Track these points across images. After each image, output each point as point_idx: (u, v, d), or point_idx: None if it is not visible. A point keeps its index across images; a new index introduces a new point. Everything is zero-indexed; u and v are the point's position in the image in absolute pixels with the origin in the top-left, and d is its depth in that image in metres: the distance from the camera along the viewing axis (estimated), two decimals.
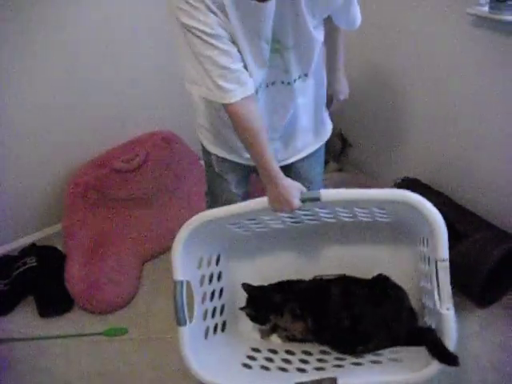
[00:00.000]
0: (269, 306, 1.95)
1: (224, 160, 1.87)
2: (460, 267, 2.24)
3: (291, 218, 1.86)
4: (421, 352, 1.67)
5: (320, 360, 1.86)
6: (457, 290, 2.30)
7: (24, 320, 2.35)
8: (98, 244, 2.50)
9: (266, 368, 1.85)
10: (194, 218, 1.75)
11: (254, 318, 1.98)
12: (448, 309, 1.63)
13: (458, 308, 2.24)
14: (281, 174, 1.65)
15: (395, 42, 2.60)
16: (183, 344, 1.72)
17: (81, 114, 2.69)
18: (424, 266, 1.85)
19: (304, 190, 1.69)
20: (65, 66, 2.57)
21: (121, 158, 2.66)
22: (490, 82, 2.23)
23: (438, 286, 1.65)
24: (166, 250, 2.42)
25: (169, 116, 2.93)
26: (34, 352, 2.19)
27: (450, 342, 1.59)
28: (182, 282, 1.73)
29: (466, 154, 2.46)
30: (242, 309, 1.97)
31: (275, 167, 1.64)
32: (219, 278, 2.01)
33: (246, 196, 1.99)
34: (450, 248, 2.27)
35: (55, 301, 2.39)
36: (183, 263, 1.75)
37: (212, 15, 1.37)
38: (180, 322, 1.71)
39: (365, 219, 1.92)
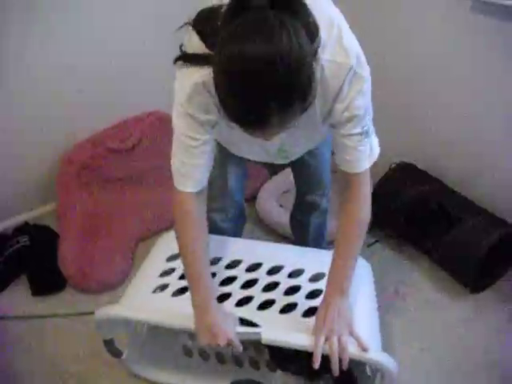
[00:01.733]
0: None
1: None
2: (453, 253, 2.26)
3: None
4: None
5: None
6: (450, 276, 2.33)
7: (16, 299, 2.33)
8: (91, 224, 2.48)
9: (205, 354, 1.94)
10: (110, 309, 1.66)
11: None
12: None
13: (451, 293, 2.29)
14: (213, 303, 1.50)
15: (391, 28, 2.59)
16: (125, 365, 1.89)
17: (76, 93, 2.64)
18: None
19: (236, 322, 1.53)
20: (64, 39, 2.53)
21: (115, 138, 2.63)
22: (490, 67, 2.22)
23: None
24: (161, 230, 2.43)
25: (165, 97, 2.89)
26: (26, 331, 2.17)
27: None
28: (111, 339, 1.76)
29: (463, 142, 2.45)
30: None
31: (208, 293, 1.50)
32: None
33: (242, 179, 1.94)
34: (445, 233, 2.29)
35: (48, 280, 2.37)
36: (108, 329, 1.73)
37: (203, 132, 1.36)
38: (117, 356, 1.82)
39: None
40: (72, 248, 2.38)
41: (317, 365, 1.38)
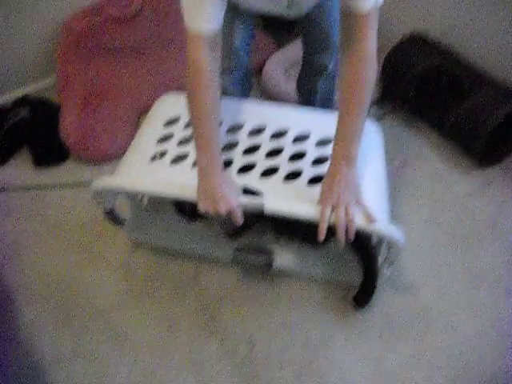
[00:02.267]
0: None
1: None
2: (464, 125, 2.20)
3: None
4: None
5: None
6: (459, 149, 2.29)
7: (19, 170, 2.31)
8: (92, 95, 2.41)
9: (209, 222, 1.90)
10: (106, 180, 1.58)
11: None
12: (387, 269, 1.65)
13: (459, 167, 2.25)
14: (219, 167, 1.45)
15: None
16: (127, 234, 1.91)
17: None
18: None
19: (240, 193, 1.46)
20: None
21: (116, 5, 2.50)
22: None
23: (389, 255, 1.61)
24: None
25: None
26: (29, 201, 2.17)
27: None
28: (110, 210, 1.72)
29: (477, 11, 2.31)
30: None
31: (215, 157, 1.44)
32: None
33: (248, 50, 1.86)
34: (456, 105, 2.22)
35: (50, 151, 2.35)
36: (106, 200, 1.68)
37: None
38: (119, 225, 1.83)
39: None
40: (74, 118, 2.32)
41: (322, 237, 1.35)
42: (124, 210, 1.88)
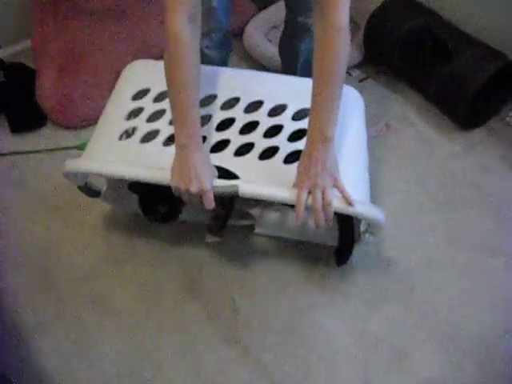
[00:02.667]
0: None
1: None
2: (447, 87, 2.18)
3: None
4: None
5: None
6: (443, 112, 2.27)
7: None
8: (70, 59, 2.33)
9: None
10: (75, 163, 1.54)
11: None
12: (369, 238, 1.61)
13: (442, 129, 2.25)
14: (198, 142, 1.39)
15: None
16: (105, 203, 1.86)
17: None
18: None
19: (215, 174, 1.42)
20: None
21: None
22: None
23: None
24: None
25: None
26: (7, 166, 2.13)
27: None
28: (85, 184, 1.67)
29: None
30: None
31: (193, 130, 1.38)
32: None
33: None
34: (439, 68, 2.20)
35: (27, 117, 2.29)
36: (79, 177, 1.64)
37: None
38: (95, 197, 1.77)
39: None
40: (51, 83, 2.27)
41: (299, 220, 1.32)
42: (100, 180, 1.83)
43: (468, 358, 1.60)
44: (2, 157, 2.16)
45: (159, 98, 1.64)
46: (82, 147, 2.14)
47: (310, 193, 1.33)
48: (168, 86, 1.39)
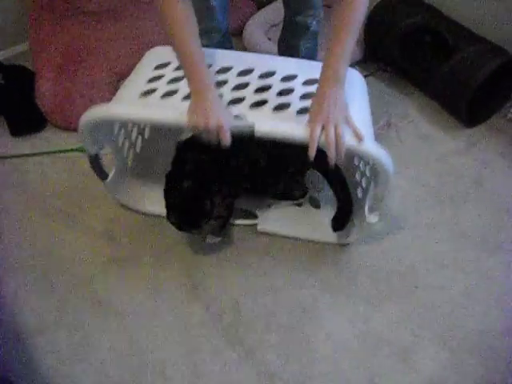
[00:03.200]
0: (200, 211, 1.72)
1: None
2: (448, 84, 2.17)
3: None
4: None
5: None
6: (444, 109, 2.27)
7: None
8: (68, 60, 2.34)
9: None
10: (94, 111, 1.55)
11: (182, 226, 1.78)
12: (374, 217, 1.64)
13: (444, 127, 2.24)
14: (213, 86, 1.44)
15: None
16: (109, 191, 1.85)
17: None
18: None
19: (233, 123, 1.44)
20: None
21: None
22: None
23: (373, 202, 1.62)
24: None
25: None
26: (7, 169, 2.13)
27: (362, 235, 1.75)
28: (95, 156, 1.68)
29: None
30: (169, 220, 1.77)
31: (206, 77, 1.44)
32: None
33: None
34: (440, 64, 2.19)
35: (27, 119, 2.28)
36: (92, 142, 1.64)
37: None
38: (102, 178, 1.77)
39: None
40: (50, 85, 2.27)
41: (312, 155, 1.34)
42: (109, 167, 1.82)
43: (471, 356, 1.59)
44: (2, 160, 2.16)
45: (179, 68, 1.65)
46: (82, 149, 2.14)
47: (323, 129, 1.36)
48: (175, 51, 1.45)
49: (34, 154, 2.17)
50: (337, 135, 1.34)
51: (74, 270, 1.81)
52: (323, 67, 1.42)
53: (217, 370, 1.59)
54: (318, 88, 1.42)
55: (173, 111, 1.45)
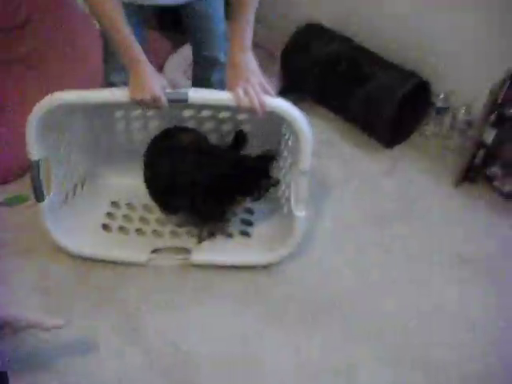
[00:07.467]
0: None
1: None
2: (368, 106, 2.24)
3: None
4: (272, 229, 1.94)
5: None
6: (365, 131, 2.33)
7: None
8: None
9: (124, 230, 1.98)
10: (47, 98, 1.66)
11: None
12: (301, 211, 1.74)
13: (366, 149, 2.30)
14: (144, 60, 1.59)
15: None
16: (43, 217, 1.80)
17: None
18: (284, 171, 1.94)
19: (167, 86, 1.62)
20: None
21: (1, 14, 2.39)
22: None
23: (297, 192, 1.73)
24: None
25: None
26: None
27: (296, 238, 1.79)
28: (38, 162, 1.72)
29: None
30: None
31: (138, 52, 1.58)
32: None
33: None
34: (358, 88, 2.26)
35: None
36: (38, 143, 1.70)
37: None
38: (39, 198, 1.77)
39: (228, 126, 1.99)
40: None
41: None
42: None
43: (413, 370, 1.60)
44: None
45: None
46: (8, 203, 2.11)
47: (244, 93, 1.56)
48: (103, 27, 1.60)
49: None
50: (257, 93, 1.55)
51: None
52: (231, 39, 1.62)
53: None
54: (229, 58, 1.64)
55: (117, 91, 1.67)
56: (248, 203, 1.94)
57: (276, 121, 1.73)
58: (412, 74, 2.25)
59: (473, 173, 2.14)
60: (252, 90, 1.56)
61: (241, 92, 1.56)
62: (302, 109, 2.41)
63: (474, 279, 1.84)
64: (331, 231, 2.00)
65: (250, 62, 1.61)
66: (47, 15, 2.47)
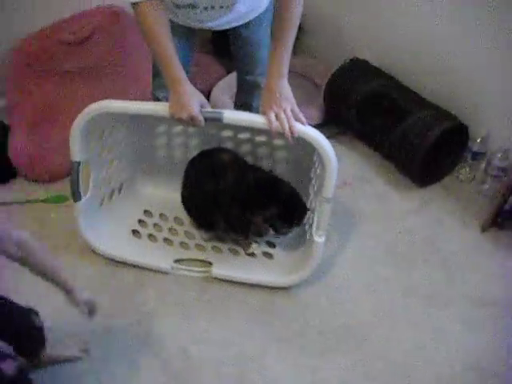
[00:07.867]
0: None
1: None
2: (403, 145, 2.28)
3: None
4: (294, 252, 2.01)
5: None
6: (398, 169, 2.37)
7: None
8: (43, 116, 2.44)
9: (154, 238, 2.06)
10: (93, 105, 1.78)
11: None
12: (321, 237, 1.80)
13: (398, 187, 2.33)
14: (184, 79, 1.67)
15: None
16: (77, 216, 1.92)
17: None
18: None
19: (206, 104, 1.71)
20: None
21: (67, 30, 2.54)
22: None
23: (319, 218, 1.79)
24: None
25: None
26: None
27: (314, 263, 1.84)
28: (78, 163, 1.83)
29: (416, 38, 2.44)
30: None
31: (178, 71, 1.65)
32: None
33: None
34: (396, 126, 2.30)
35: None
36: (80, 146, 1.81)
37: None
38: (75, 198, 1.87)
39: (263, 150, 2.08)
40: (23, 140, 2.36)
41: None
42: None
43: None
44: None
45: None
46: (50, 200, 2.24)
47: (277, 117, 1.64)
48: (150, 48, 1.66)
49: (4, 204, 2.22)
50: (288, 119, 1.63)
51: None
52: (269, 64, 1.71)
53: None
54: (266, 84, 1.71)
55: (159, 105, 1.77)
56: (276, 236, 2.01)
57: (308, 149, 1.79)
58: (449, 116, 2.29)
59: (501, 218, 2.14)
60: (284, 115, 1.64)
61: (273, 116, 1.64)
62: (341, 142, 2.53)
63: (492, 325, 1.85)
64: (353, 261, 2.04)
65: (284, 88, 1.68)
66: (107, 35, 2.61)
